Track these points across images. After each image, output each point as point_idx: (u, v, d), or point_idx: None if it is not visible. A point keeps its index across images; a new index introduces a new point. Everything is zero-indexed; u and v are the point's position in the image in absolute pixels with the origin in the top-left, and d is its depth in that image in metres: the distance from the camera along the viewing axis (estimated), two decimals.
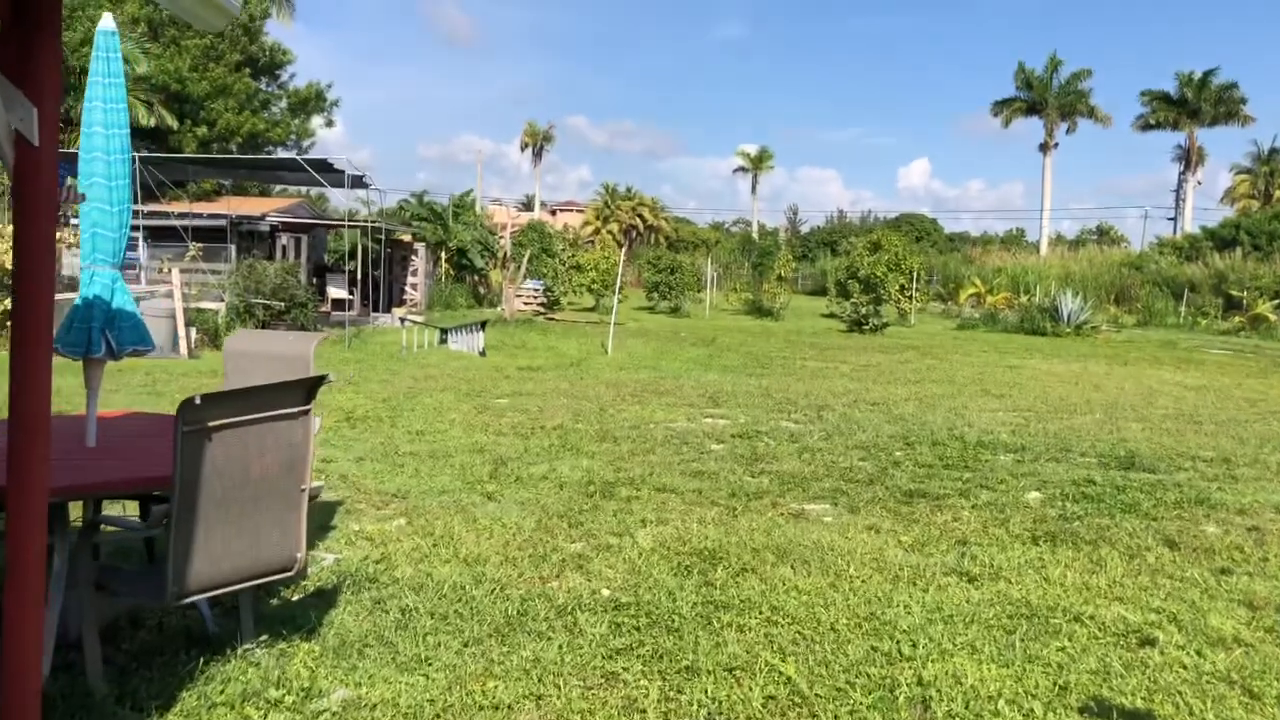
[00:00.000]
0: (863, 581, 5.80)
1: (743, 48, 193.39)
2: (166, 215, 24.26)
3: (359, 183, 22.02)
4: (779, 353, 21.64)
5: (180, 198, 28.19)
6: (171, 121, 27.28)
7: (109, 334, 4.55)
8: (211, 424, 3.65)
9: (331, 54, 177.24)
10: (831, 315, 37.16)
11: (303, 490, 4.04)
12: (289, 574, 4.10)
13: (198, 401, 3.53)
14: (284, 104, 33.93)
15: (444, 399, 12.61)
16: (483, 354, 18.49)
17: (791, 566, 6.02)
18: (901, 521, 7.24)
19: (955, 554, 6.46)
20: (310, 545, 5.97)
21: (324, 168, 19.84)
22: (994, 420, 12.35)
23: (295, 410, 3.93)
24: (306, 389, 3.97)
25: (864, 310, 30.43)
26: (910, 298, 36.88)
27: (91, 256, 4.55)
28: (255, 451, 3.83)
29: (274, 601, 5.11)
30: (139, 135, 26.45)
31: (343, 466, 8.46)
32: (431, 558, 5.93)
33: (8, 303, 16.96)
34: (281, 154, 22.80)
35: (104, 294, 4.55)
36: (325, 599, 5.16)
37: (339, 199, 39.15)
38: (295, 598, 5.21)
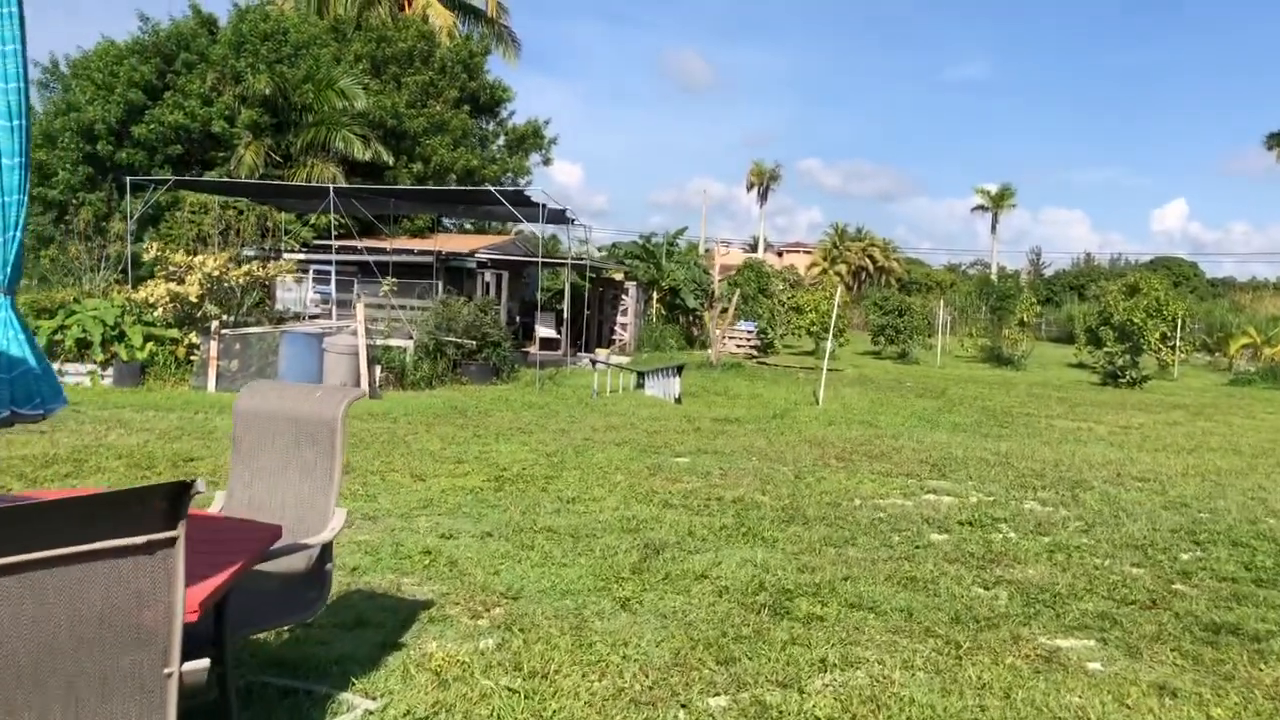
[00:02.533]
0: None
1: (984, 87, 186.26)
2: (379, 251, 23.92)
3: (559, 217, 20.85)
4: (1020, 408, 18.89)
5: (395, 234, 28.06)
6: (387, 157, 27.16)
7: None
8: None
9: (572, 102, 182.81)
10: (1080, 365, 33.59)
11: (169, 674, 2.33)
12: None
13: None
14: (501, 141, 33.62)
15: (615, 455, 10.91)
16: (678, 401, 16.77)
17: None
18: (1207, 676, 4.95)
19: None
20: (343, 682, 4.30)
21: (519, 200, 18.71)
22: None
23: (141, 540, 2.23)
24: (165, 501, 2.26)
25: (1120, 360, 26.94)
26: (1173, 348, 32.78)
27: None
28: (62, 617, 2.14)
29: None
30: (354, 170, 26.42)
31: (460, 545, 6.84)
32: (504, 715, 4.14)
33: (194, 336, 16.63)
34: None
35: None
36: None
37: (570, 239, 38.64)
38: None
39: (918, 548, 7.36)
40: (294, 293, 25.30)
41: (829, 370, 19.34)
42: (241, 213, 23.67)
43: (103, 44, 26.64)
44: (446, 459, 10.30)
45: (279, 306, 24.48)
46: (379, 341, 17.37)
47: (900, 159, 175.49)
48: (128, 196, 18.58)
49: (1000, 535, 7.88)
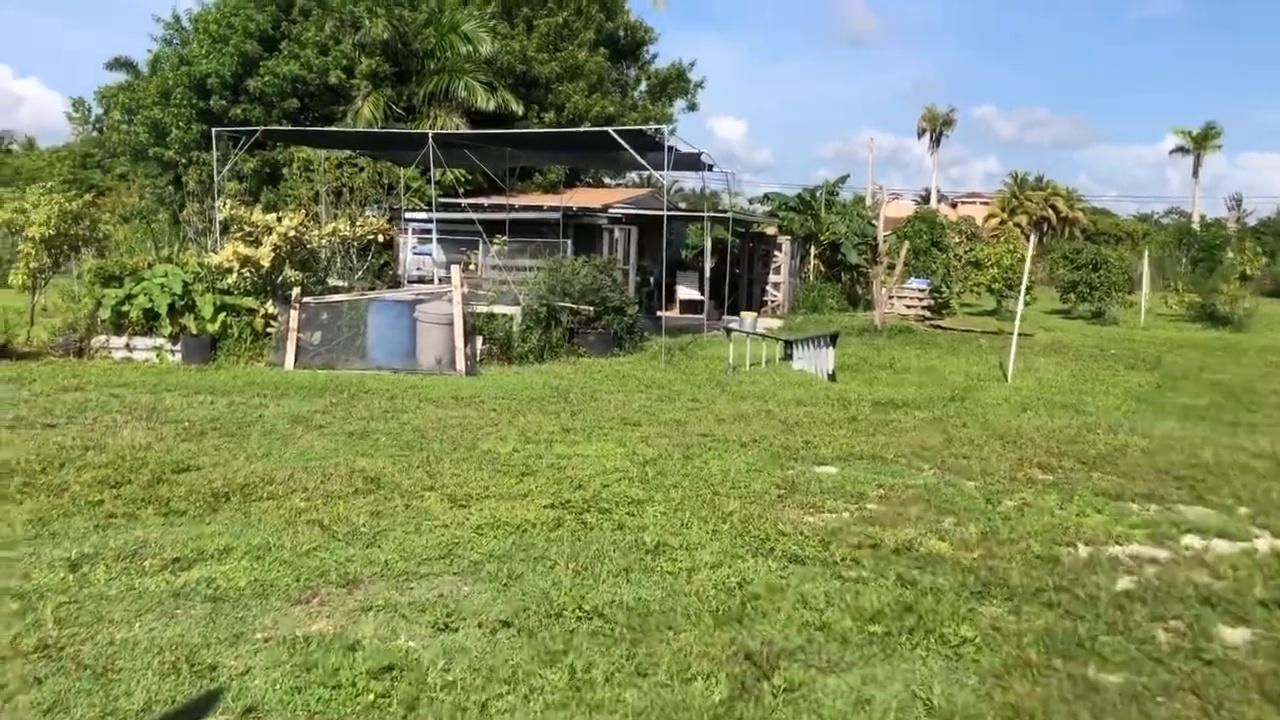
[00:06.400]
0: None
1: (1170, 25, 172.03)
2: (502, 208, 21.66)
3: (693, 162, 18.04)
4: (1264, 384, 15.17)
5: (528, 190, 25.78)
6: (516, 106, 24.78)
7: None
8: None
9: (734, 56, 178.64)
10: None
11: None
12: None
13: None
14: (643, 87, 30.84)
15: (736, 463, 8.17)
16: (831, 378, 13.86)
17: None
18: None
19: None
20: None
21: (644, 144, 15.90)
22: None
23: None
24: None
25: None
26: None
27: None
28: None
29: None
30: (479, 119, 24.19)
31: (451, 650, 4.31)
32: None
33: (271, 305, 14.63)
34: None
35: None
36: None
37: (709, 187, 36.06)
38: None
39: (1207, 662, 4.41)
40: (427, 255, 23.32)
41: (1017, 338, 15.98)
42: (362, 169, 21.75)
43: None
44: (511, 469, 7.79)
45: (401, 270, 22.58)
46: (482, 309, 15.04)
47: (1081, 104, 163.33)
48: (214, 152, 16.76)
49: None
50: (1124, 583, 5.49)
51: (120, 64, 30.59)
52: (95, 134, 52.30)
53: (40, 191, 14.91)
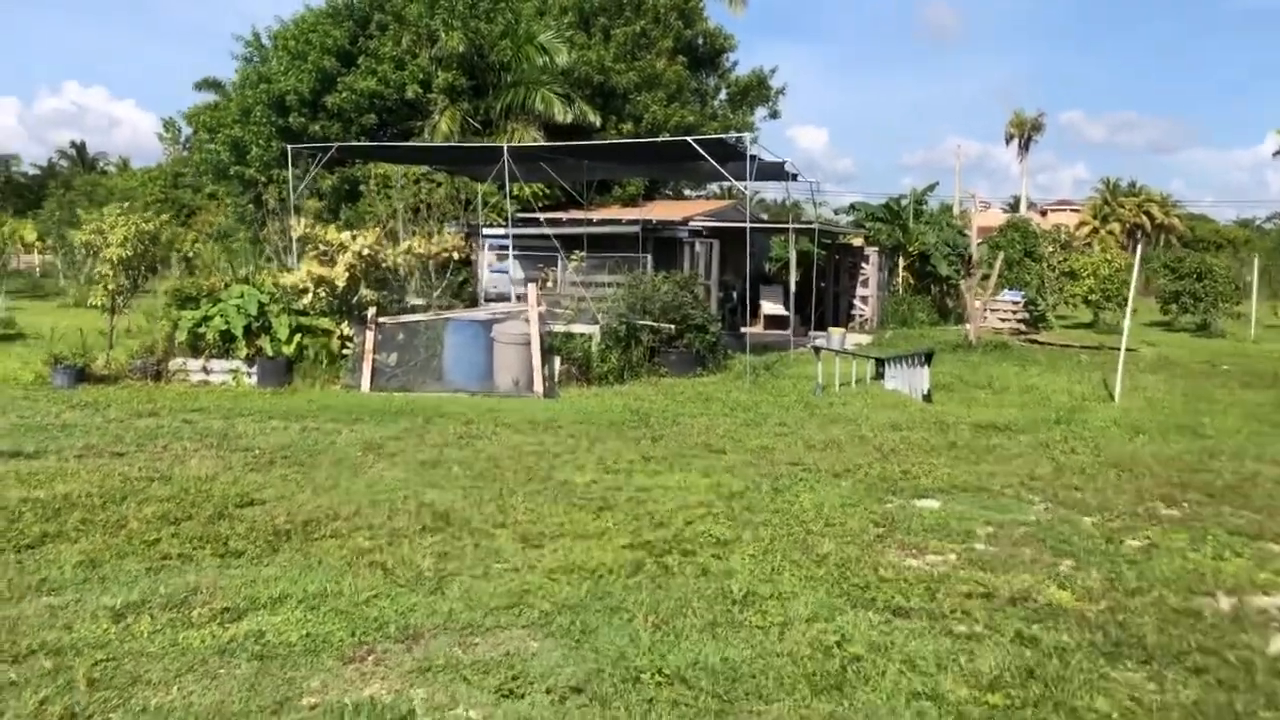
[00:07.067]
0: None
1: (1269, 21, 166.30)
2: (581, 222, 21.30)
3: (777, 172, 17.46)
4: None
5: (607, 203, 25.43)
6: (593, 117, 24.48)
7: None
8: None
9: (815, 64, 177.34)
10: None
11: None
12: None
13: None
14: (723, 96, 30.35)
15: (829, 496, 7.60)
16: (926, 399, 13.17)
17: None
18: None
19: None
20: None
21: (724, 153, 15.35)
22: None
23: None
24: None
25: None
26: None
27: None
28: None
29: None
30: (556, 132, 23.93)
31: (522, 718, 3.84)
32: None
33: (346, 326, 14.40)
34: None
35: None
36: None
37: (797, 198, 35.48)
38: None
39: None
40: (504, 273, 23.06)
41: (1123, 353, 15.06)
42: (440, 185, 21.58)
43: (301, 12, 25.31)
44: (587, 503, 7.33)
45: (479, 288, 22.34)
46: (560, 328, 14.65)
47: (1173, 107, 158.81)
48: (290, 170, 16.75)
49: None
50: (1279, 643, 4.82)
51: (209, 84, 31.08)
52: (185, 154, 53.66)
53: (117, 212, 14.85)
